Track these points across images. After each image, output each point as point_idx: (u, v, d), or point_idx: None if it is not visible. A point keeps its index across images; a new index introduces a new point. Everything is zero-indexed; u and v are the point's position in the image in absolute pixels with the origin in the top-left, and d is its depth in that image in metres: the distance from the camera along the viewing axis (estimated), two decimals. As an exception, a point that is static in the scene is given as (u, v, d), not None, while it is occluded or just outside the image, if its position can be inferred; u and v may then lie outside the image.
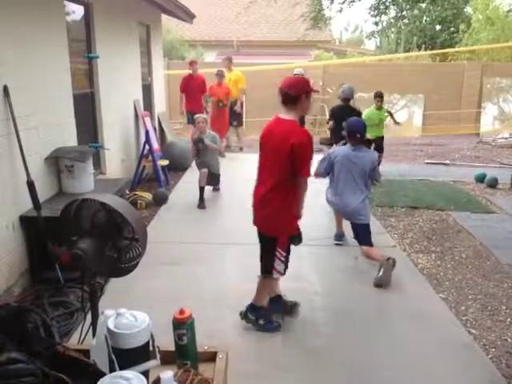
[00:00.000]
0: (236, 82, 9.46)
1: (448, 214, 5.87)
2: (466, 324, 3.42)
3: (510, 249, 4.78)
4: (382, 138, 7.65)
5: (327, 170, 4.33)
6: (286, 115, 3.00)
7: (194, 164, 6.60)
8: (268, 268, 3.12)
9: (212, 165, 6.22)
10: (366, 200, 4.23)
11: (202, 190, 6.03)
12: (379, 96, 7.45)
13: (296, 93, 2.93)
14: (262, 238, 3.16)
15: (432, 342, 3.14)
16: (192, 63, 9.20)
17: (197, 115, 6.41)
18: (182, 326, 1.48)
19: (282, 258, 3.08)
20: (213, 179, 6.34)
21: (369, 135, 7.08)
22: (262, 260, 3.19)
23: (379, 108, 7.51)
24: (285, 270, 3.16)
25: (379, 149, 7.35)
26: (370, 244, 4.13)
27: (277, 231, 3.06)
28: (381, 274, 3.85)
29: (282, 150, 2.89)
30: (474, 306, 3.69)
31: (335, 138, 6.16)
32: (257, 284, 3.25)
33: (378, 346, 3.10)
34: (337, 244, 4.77)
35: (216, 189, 6.66)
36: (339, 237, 4.81)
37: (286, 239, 3.07)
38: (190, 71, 9.10)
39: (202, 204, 5.99)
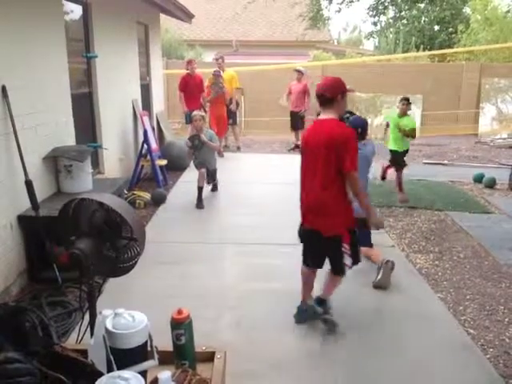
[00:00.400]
0: (229, 82, 9.45)
1: (446, 214, 5.87)
2: (464, 324, 3.42)
3: (508, 249, 4.78)
4: (403, 152, 6.33)
5: None
6: (324, 116, 3.06)
7: (192, 164, 6.57)
8: (339, 266, 3.14)
9: (209, 162, 6.23)
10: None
11: (200, 189, 6.03)
12: (404, 99, 6.22)
13: (332, 94, 2.99)
14: (325, 239, 3.09)
15: (430, 342, 3.14)
16: (189, 62, 9.16)
17: (194, 113, 6.37)
18: (180, 326, 1.48)
19: (349, 252, 3.09)
20: (210, 175, 6.35)
21: (390, 145, 6.36)
22: (331, 260, 3.19)
23: (403, 114, 6.16)
24: (354, 263, 3.17)
25: (395, 163, 6.33)
26: (370, 245, 4.14)
27: (340, 229, 3.06)
28: (379, 276, 3.85)
29: (326, 147, 2.93)
30: (472, 305, 3.69)
31: None
32: (326, 280, 3.30)
33: (376, 346, 3.11)
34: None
35: (214, 188, 6.66)
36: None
37: (348, 233, 3.08)
38: (188, 71, 9.08)
39: (200, 204, 5.99)
